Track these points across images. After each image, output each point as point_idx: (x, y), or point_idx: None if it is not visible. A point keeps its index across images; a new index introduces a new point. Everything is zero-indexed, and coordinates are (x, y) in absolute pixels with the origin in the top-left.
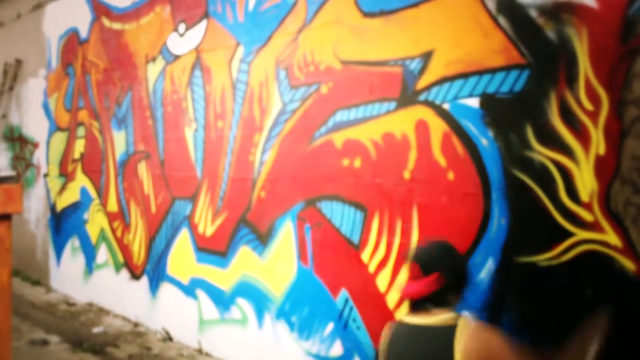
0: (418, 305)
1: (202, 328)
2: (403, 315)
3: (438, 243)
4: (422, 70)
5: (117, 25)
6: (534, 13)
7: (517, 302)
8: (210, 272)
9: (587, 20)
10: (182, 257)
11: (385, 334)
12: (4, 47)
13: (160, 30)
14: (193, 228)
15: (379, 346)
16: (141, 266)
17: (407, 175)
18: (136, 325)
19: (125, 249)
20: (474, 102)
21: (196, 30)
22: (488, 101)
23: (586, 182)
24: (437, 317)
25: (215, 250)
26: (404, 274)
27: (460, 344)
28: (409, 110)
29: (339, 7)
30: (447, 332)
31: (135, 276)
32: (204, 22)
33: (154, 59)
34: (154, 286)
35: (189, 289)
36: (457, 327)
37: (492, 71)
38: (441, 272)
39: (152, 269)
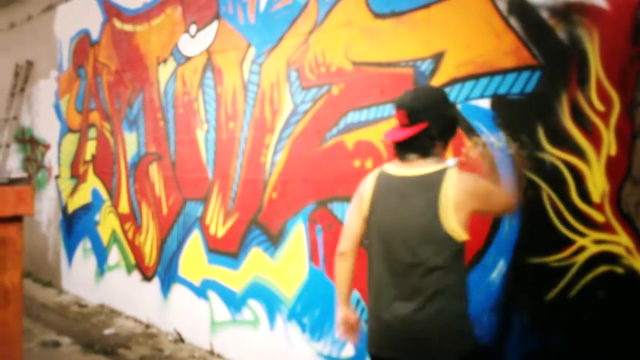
0: (403, 153)
1: (213, 329)
2: (386, 165)
3: (428, 89)
4: (434, 72)
5: (128, 27)
6: (545, 14)
7: (528, 303)
8: (222, 274)
9: (598, 22)
10: (193, 259)
11: (370, 182)
12: (15, 49)
13: (171, 31)
14: (204, 229)
15: (359, 190)
16: (153, 268)
17: None
18: (148, 326)
19: (136, 251)
20: (485, 103)
21: (207, 31)
22: (499, 102)
23: (597, 183)
24: (421, 169)
25: (226, 251)
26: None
27: (446, 190)
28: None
29: (350, 8)
30: (435, 181)
31: (147, 277)
32: (215, 24)
33: (165, 61)
34: (165, 287)
35: (201, 290)
36: (445, 175)
37: (504, 72)
38: (429, 122)
39: (163, 271)
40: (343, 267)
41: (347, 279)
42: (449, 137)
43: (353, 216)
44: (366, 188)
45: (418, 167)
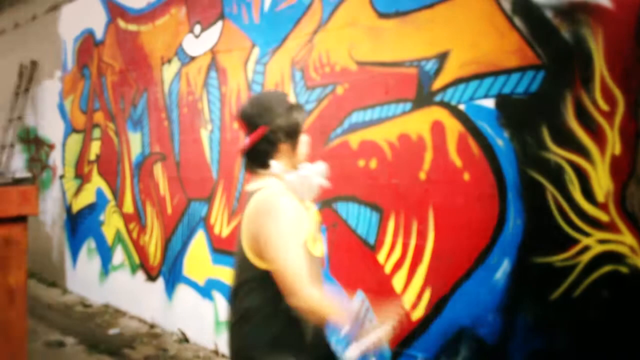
0: (249, 166)
1: (218, 329)
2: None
3: (264, 95)
4: (438, 71)
5: (132, 27)
6: (549, 14)
7: (532, 303)
8: (227, 273)
9: (602, 21)
10: (198, 259)
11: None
12: (20, 49)
13: (175, 31)
14: (209, 229)
15: None
16: (157, 267)
17: (422, 176)
18: (152, 326)
19: (141, 251)
20: (490, 103)
21: (212, 31)
22: (503, 102)
23: (602, 182)
24: (255, 184)
25: (231, 251)
26: (419, 275)
27: (249, 207)
28: (425, 111)
29: (355, 8)
30: (249, 199)
31: (151, 277)
32: (219, 24)
33: (169, 61)
34: (170, 287)
35: (205, 290)
36: (253, 194)
37: (508, 72)
38: (268, 126)
39: (168, 271)
40: None
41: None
42: (294, 139)
43: None
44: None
45: (255, 182)
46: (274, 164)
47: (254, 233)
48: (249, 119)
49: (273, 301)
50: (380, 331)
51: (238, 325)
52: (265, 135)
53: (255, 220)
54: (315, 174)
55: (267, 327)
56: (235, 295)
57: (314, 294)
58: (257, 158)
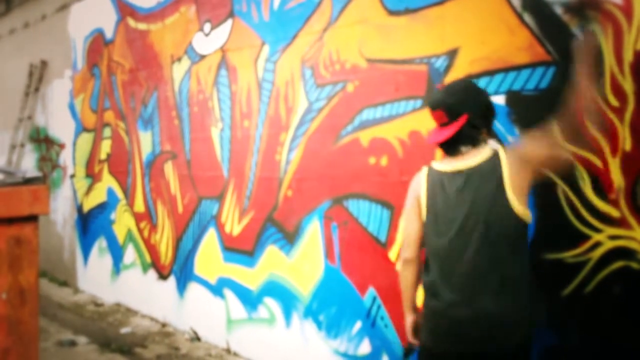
0: (453, 149)
1: (229, 328)
2: (434, 162)
3: (457, 83)
4: (448, 68)
5: (142, 26)
6: (559, 10)
7: (545, 299)
8: (238, 272)
9: (612, 17)
10: (209, 257)
11: (422, 183)
12: (29, 48)
13: (185, 30)
14: (220, 228)
15: (411, 194)
16: (168, 266)
17: None
18: (164, 325)
19: (152, 249)
20: (500, 100)
21: (221, 29)
22: (514, 98)
23: (612, 178)
24: (476, 158)
25: (242, 249)
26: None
27: (506, 171)
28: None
29: (364, 5)
30: (493, 165)
31: (163, 276)
32: (229, 22)
33: (179, 59)
34: (181, 286)
35: (217, 289)
36: (499, 158)
37: (518, 68)
38: (469, 113)
39: (179, 269)
40: (409, 274)
41: (413, 286)
42: (490, 122)
43: (411, 221)
44: (419, 190)
45: (470, 158)
46: (493, 142)
47: (522, 165)
48: (450, 108)
49: (526, 259)
50: None
51: (508, 294)
52: (469, 121)
53: (523, 165)
54: None
55: (531, 283)
56: (499, 272)
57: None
58: (462, 141)
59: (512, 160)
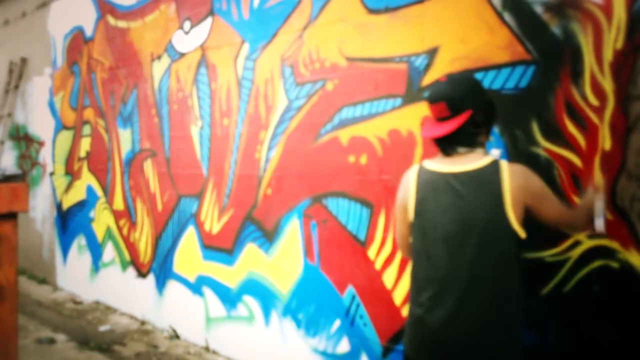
0: (449, 147)
1: (209, 326)
2: (426, 161)
3: (462, 78)
4: (428, 67)
5: (122, 24)
6: (539, 9)
7: (523, 298)
8: (217, 270)
9: (592, 16)
10: (188, 255)
11: (411, 182)
12: (9, 46)
13: (165, 28)
14: (199, 226)
15: (400, 194)
16: (148, 264)
17: None
18: (143, 323)
19: (131, 247)
20: None
21: (201, 27)
22: (493, 97)
23: (592, 177)
24: (475, 162)
25: (221, 247)
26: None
27: (507, 184)
28: (415, 106)
29: (344, 3)
30: (493, 175)
31: (142, 274)
32: (209, 20)
33: (159, 57)
34: (160, 284)
35: (196, 287)
36: (500, 168)
37: (498, 67)
38: (473, 109)
39: (158, 267)
40: None
41: None
42: (492, 122)
43: (400, 222)
44: (408, 190)
45: (467, 162)
46: (495, 151)
47: (527, 196)
48: (454, 101)
49: (520, 277)
50: (600, 201)
51: (490, 309)
52: (472, 117)
53: (525, 187)
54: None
55: (519, 301)
56: (485, 285)
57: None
58: (460, 140)
59: (516, 176)
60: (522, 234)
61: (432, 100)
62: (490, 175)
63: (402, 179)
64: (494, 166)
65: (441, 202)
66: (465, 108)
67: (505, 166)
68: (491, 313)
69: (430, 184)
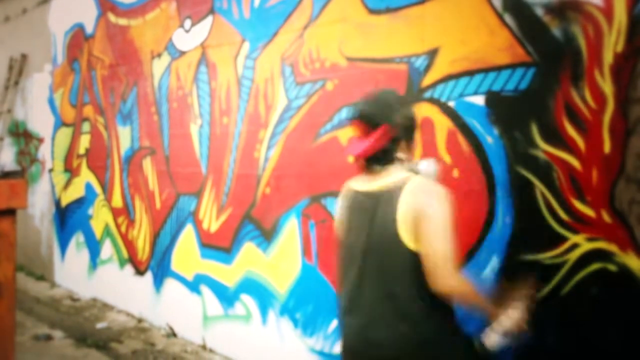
0: (368, 165)
1: (206, 324)
2: (355, 179)
3: (379, 93)
4: (428, 68)
5: (122, 21)
6: (539, 11)
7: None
8: (215, 268)
9: (593, 19)
10: (186, 253)
11: (340, 200)
12: (10, 42)
13: (166, 26)
14: (198, 224)
15: (336, 217)
16: (145, 262)
17: None
18: (140, 320)
19: (129, 245)
20: (480, 100)
21: (202, 26)
22: (493, 99)
23: (591, 180)
24: (386, 180)
25: (219, 246)
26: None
27: (401, 200)
28: (414, 107)
29: (345, 3)
30: (396, 193)
31: (140, 272)
32: (209, 18)
33: (159, 55)
34: (158, 282)
35: (193, 285)
36: (404, 185)
37: (498, 69)
38: (389, 124)
39: (156, 265)
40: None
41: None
42: (411, 135)
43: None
44: (338, 207)
45: (382, 179)
46: (424, 163)
47: (415, 216)
48: (369, 118)
49: (426, 292)
50: (515, 314)
51: (390, 320)
52: (388, 133)
53: (418, 204)
54: (433, 167)
55: (434, 321)
56: (386, 306)
57: (465, 278)
58: (380, 157)
59: (410, 192)
60: (411, 246)
61: (351, 118)
62: (393, 193)
63: (339, 198)
64: (401, 182)
65: (354, 220)
66: (380, 124)
67: (409, 183)
68: (399, 331)
69: (349, 203)
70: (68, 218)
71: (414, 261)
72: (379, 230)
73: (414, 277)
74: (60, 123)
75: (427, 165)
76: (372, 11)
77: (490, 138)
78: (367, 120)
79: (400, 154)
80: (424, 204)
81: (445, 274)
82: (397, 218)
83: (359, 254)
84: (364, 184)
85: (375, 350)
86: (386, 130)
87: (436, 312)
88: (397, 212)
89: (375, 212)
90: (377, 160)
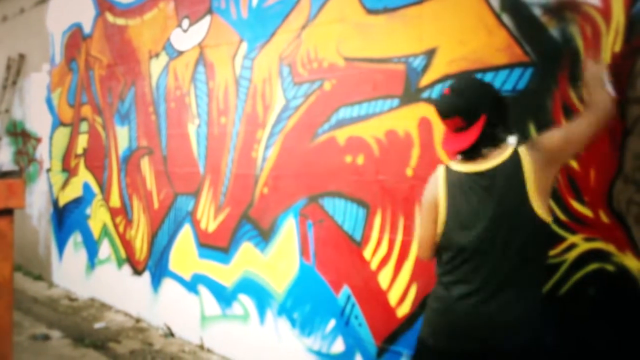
0: (474, 153)
1: (203, 324)
2: (454, 163)
3: (469, 84)
4: (426, 68)
5: (120, 21)
6: (537, 11)
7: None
8: (212, 268)
9: (590, 19)
10: (184, 253)
11: (440, 184)
12: (8, 42)
13: (163, 26)
14: (195, 224)
15: (428, 196)
16: (143, 262)
17: (409, 172)
18: (138, 320)
19: (127, 245)
20: None
21: (200, 26)
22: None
23: (589, 180)
24: (497, 158)
25: (217, 246)
26: (405, 272)
27: (528, 169)
28: (412, 107)
29: (343, 3)
30: (515, 165)
31: (138, 272)
32: (207, 18)
33: (157, 55)
34: (156, 282)
35: (191, 285)
36: (520, 156)
37: (496, 69)
38: (486, 113)
39: (154, 265)
40: None
41: None
42: (506, 116)
43: (429, 223)
44: (437, 191)
45: (490, 159)
46: (511, 138)
47: (550, 172)
48: (467, 113)
49: (546, 259)
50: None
51: (520, 297)
52: (488, 121)
53: (546, 158)
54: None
55: (541, 288)
56: (514, 275)
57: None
58: (482, 143)
59: (534, 158)
60: (547, 218)
61: (445, 116)
62: (512, 167)
63: (430, 180)
64: (515, 156)
65: (473, 201)
66: (479, 114)
67: (524, 154)
68: (521, 302)
69: (458, 185)
70: (66, 218)
71: (544, 232)
72: (508, 204)
73: (542, 249)
74: (58, 123)
75: (516, 141)
76: (370, 11)
77: None
78: (465, 114)
79: (502, 135)
80: (550, 144)
81: (595, 119)
82: (528, 188)
83: (483, 231)
84: (470, 165)
85: (496, 321)
86: (485, 119)
87: (542, 288)
88: (526, 182)
89: (498, 188)
90: (482, 146)
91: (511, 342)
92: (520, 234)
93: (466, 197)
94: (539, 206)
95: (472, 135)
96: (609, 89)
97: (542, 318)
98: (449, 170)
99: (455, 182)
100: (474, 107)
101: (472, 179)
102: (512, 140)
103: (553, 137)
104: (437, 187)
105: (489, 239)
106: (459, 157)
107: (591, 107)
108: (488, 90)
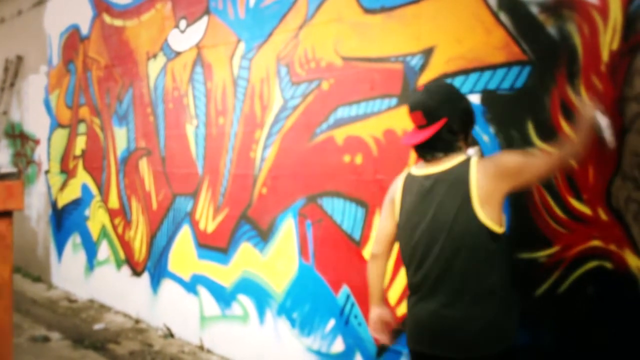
0: (427, 154)
1: (203, 324)
2: (412, 167)
3: (438, 86)
4: (423, 67)
5: (118, 22)
6: (535, 9)
7: (517, 299)
8: (212, 269)
9: (588, 17)
10: (183, 254)
11: (398, 184)
12: (5, 44)
13: (161, 26)
14: (194, 224)
15: (388, 194)
16: (142, 263)
17: None
18: (137, 321)
19: (126, 246)
20: (475, 99)
21: (197, 26)
22: (489, 97)
23: (587, 178)
24: (447, 164)
25: (216, 246)
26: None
27: (474, 180)
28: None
29: (340, 3)
30: (462, 173)
31: (137, 273)
32: (205, 19)
33: (155, 56)
34: (155, 283)
35: (190, 286)
36: (469, 165)
37: (493, 68)
38: (448, 117)
39: (153, 266)
40: (374, 269)
41: (379, 280)
42: (469, 128)
43: (384, 219)
44: (395, 191)
45: (443, 164)
46: (471, 150)
47: (499, 187)
48: (430, 110)
49: (505, 268)
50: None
51: (482, 303)
52: (447, 125)
53: (499, 174)
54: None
55: (500, 296)
56: (457, 282)
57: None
58: (437, 146)
59: (485, 169)
60: (497, 228)
61: (410, 109)
62: (459, 174)
63: (395, 180)
64: (464, 164)
65: (416, 203)
66: (441, 116)
67: (474, 163)
68: (469, 307)
69: (409, 187)
70: (64, 219)
71: (489, 240)
72: (448, 209)
73: (490, 257)
74: (56, 124)
75: (474, 153)
76: (368, 10)
77: (486, 136)
78: (427, 112)
79: (459, 144)
80: (507, 164)
81: (563, 159)
82: (472, 195)
83: (421, 234)
84: (424, 169)
85: (447, 327)
86: (444, 123)
87: (500, 293)
88: (470, 189)
89: (440, 192)
90: (437, 148)
91: (464, 348)
92: (460, 239)
93: (413, 199)
94: (485, 215)
95: (427, 133)
96: (604, 126)
97: (503, 324)
98: (408, 174)
99: (409, 183)
100: (435, 108)
101: (419, 181)
102: (471, 152)
103: (511, 158)
104: (396, 188)
105: (428, 243)
106: (417, 160)
107: (564, 147)
108: (457, 98)
